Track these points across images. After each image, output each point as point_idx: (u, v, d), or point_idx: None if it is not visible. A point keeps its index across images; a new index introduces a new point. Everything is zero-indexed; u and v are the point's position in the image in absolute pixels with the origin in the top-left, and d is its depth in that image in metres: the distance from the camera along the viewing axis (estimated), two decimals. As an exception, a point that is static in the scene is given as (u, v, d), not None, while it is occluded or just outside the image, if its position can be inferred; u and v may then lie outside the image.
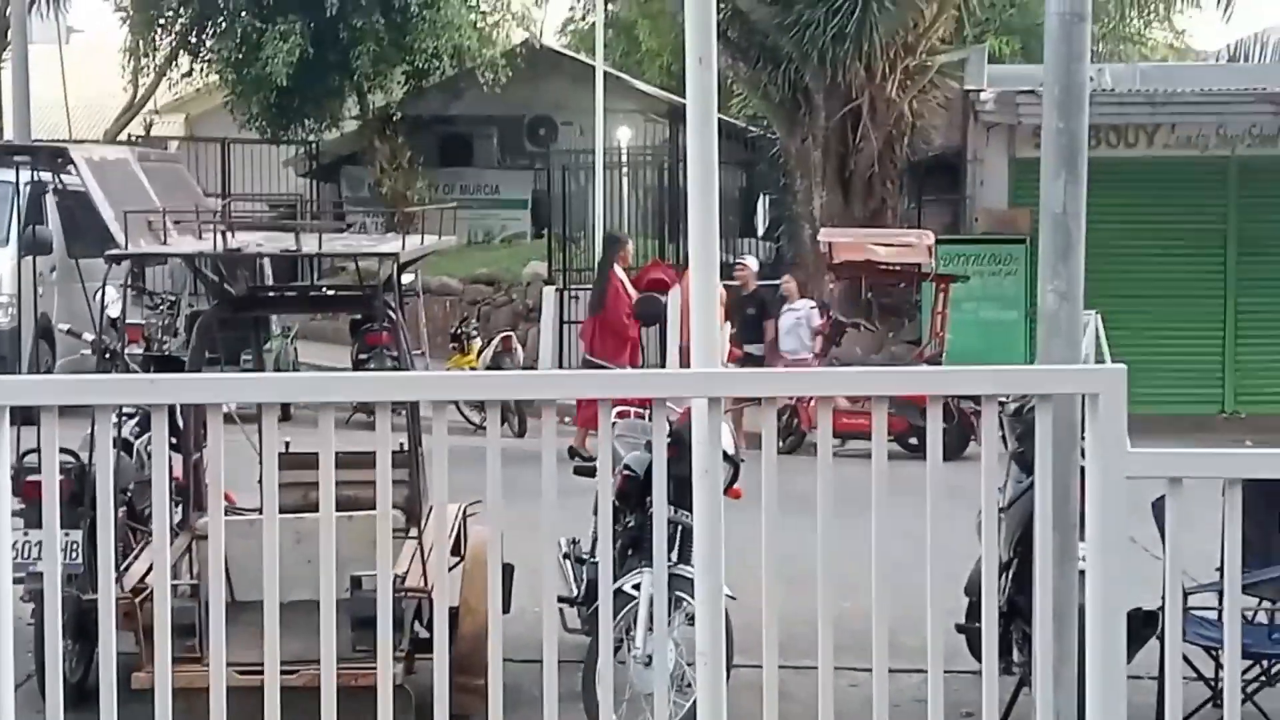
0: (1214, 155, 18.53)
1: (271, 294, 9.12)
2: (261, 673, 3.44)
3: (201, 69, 26.17)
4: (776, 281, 17.48)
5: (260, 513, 3.54)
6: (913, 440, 12.98)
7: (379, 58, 24.50)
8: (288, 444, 6.12)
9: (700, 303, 4.10)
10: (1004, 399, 6.90)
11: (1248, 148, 18.48)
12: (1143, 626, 5.56)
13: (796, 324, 16.53)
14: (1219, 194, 18.63)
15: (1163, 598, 3.84)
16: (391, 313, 6.29)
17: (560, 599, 7.20)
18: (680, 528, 6.42)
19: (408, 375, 5.40)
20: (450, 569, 6.86)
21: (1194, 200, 18.52)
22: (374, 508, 3.44)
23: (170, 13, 25.30)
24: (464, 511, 7.46)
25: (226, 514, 3.93)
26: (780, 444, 15.45)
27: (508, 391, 3.78)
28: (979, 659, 3.75)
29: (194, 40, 25.68)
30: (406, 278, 7.99)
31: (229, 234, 6.81)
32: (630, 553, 7.00)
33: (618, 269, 15.45)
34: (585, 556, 7.53)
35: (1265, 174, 18.40)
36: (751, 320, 16.38)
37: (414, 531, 6.74)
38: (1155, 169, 18.46)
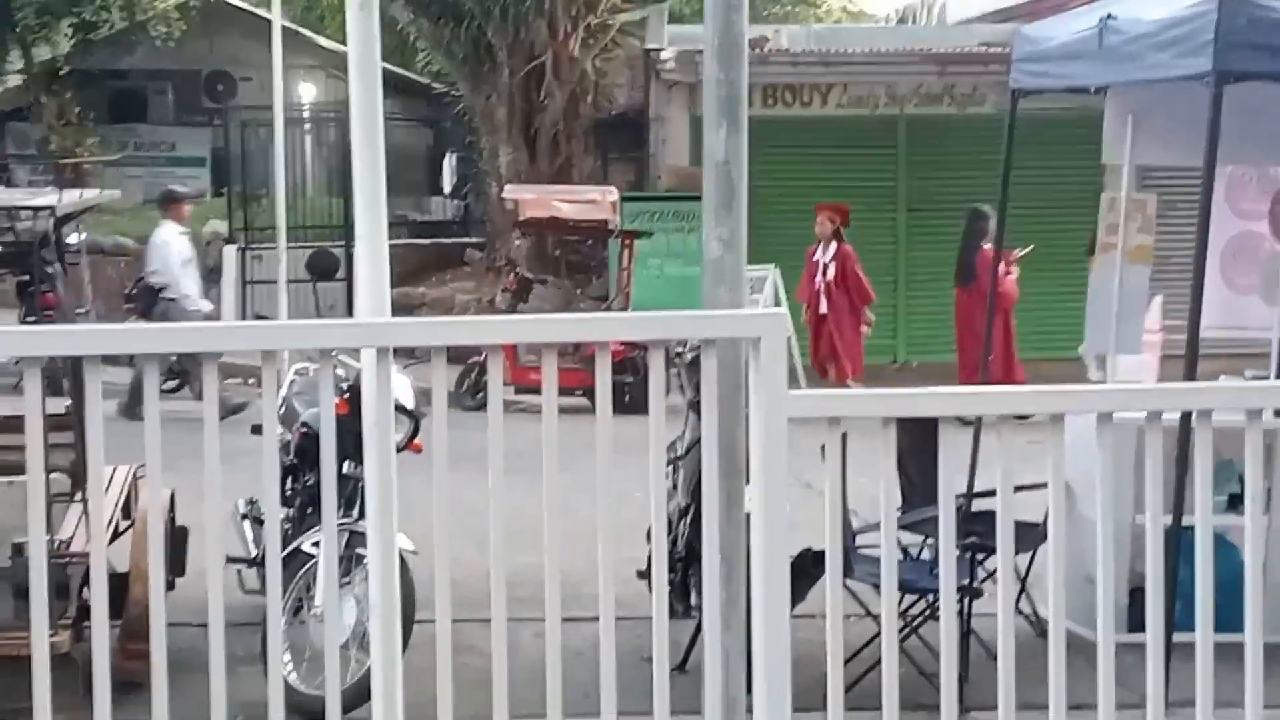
0: (884, 114, 19.13)
1: None
2: None
3: None
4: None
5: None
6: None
7: (44, 9, 23.49)
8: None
9: (369, 257, 4.05)
10: (680, 348, 7.01)
11: (915, 107, 19.14)
12: (814, 566, 5.72)
13: None
14: (889, 152, 19.26)
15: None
16: (49, 268, 6.03)
17: (238, 560, 7.06)
18: (360, 484, 6.33)
19: (61, 329, 5.19)
20: (122, 533, 6.66)
21: (866, 158, 19.09)
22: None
23: None
24: (134, 474, 7.23)
25: None
26: (471, 399, 15.16)
27: (166, 344, 3.66)
28: None
29: None
30: (73, 236, 7.69)
31: None
32: (310, 511, 6.89)
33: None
34: (265, 516, 7.37)
35: (931, 132, 19.09)
36: None
37: (79, 495, 6.50)
38: (830, 127, 18.97)
